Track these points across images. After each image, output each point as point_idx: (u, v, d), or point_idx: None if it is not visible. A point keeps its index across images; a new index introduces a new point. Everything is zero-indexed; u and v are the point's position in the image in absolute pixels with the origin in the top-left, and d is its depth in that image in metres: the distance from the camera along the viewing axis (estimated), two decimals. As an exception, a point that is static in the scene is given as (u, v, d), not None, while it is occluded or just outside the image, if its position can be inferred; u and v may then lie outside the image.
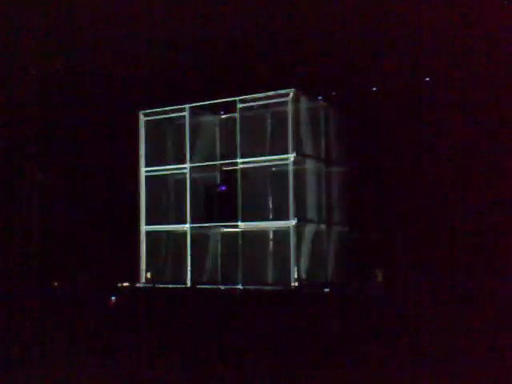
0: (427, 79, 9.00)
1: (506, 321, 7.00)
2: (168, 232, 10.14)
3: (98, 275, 10.17)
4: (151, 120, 10.14)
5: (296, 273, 8.82)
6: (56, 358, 6.86)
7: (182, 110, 9.83)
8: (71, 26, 10.31)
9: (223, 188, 9.76)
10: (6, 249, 11.17)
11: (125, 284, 9.81)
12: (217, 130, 10.30)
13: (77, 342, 7.60)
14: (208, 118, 10.19)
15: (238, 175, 9.25)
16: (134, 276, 9.93)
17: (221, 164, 9.91)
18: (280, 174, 9.22)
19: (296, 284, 8.79)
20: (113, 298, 9.21)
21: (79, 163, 11.18)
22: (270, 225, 9.43)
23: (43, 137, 11.38)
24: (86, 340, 7.68)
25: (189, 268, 9.62)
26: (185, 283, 9.57)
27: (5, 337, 7.84)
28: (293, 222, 8.86)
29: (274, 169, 9.41)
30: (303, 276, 8.99)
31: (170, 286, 9.62)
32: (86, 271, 10.45)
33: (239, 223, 9.22)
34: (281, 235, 9.29)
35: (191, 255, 9.64)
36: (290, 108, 8.92)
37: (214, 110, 10.02)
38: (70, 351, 7.14)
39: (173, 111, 9.95)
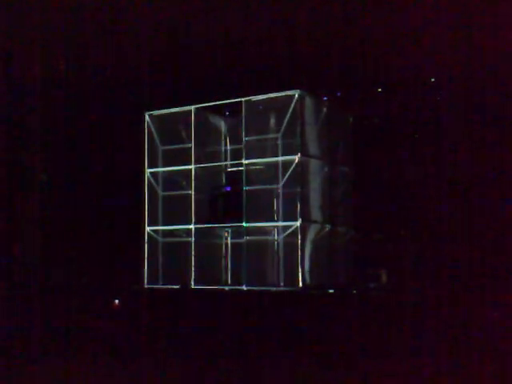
0: (432, 80, 9.05)
1: (508, 319, 6.99)
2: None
3: (102, 276, 10.16)
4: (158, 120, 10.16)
5: (301, 273, 8.80)
6: (58, 359, 6.85)
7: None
8: (76, 27, 10.38)
9: (228, 189, 9.74)
10: (10, 250, 11.18)
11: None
12: (222, 130, 10.31)
13: (79, 342, 7.58)
14: (214, 119, 10.20)
15: (243, 176, 9.24)
16: (138, 277, 9.92)
17: (226, 165, 9.91)
18: (285, 175, 9.22)
19: (301, 285, 8.76)
20: (116, 300, 9.17)
21: (84, 163, 11.20)
22: (275, 225, 9.42)
23: (48, 137, 11.40)
24: (88, 341, 7.66)
25: (193, 269, 9.60)
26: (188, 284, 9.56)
27: (7, 337, 7.82)
28: (298, 223, 8.84)
29: (278, 169, 9.41)
30: (308, 277, 8.96)
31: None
32: (89, 272, 10.45)
33: (244, 224, 9.18)
34: (286, 236, 9.28)
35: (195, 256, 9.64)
36: (295, 109, 8.92)
37: (220, 110, 10.03)
38: (71, 351, 7.13)
39: (179, 112, 9.96)
